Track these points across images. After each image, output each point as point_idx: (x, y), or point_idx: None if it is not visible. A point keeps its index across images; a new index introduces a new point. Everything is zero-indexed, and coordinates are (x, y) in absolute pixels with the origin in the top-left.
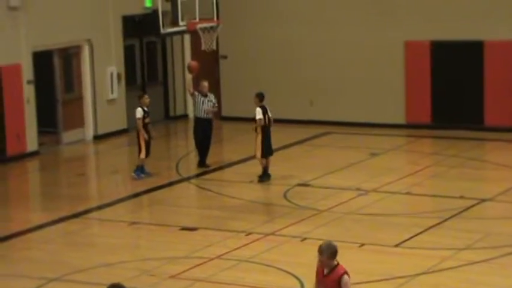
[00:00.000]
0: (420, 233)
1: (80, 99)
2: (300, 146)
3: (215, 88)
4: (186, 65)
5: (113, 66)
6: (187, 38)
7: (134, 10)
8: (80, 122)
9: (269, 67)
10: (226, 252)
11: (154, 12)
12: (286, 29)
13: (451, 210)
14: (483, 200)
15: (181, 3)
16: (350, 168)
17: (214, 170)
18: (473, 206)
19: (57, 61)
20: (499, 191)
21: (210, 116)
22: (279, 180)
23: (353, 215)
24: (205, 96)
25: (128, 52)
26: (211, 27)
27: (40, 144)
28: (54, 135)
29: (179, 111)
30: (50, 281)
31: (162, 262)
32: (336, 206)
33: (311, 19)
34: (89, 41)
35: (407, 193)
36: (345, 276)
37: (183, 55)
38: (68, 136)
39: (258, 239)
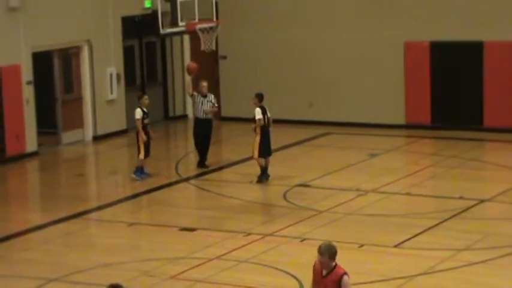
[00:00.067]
0: (419, 233)
1: (79, 99)
2: (300, 146)
3: (214, 88)
4: (185, 66)
5: (113, 67)
6: (186, 38)
7: (134, 11)
8: (79, 123)
9: (268, 67)
10: (226, 253)
11: (154, 12)
12: (286, 29)
13: (451, 211)
14: (482, 201)
15: (181, 3)
16: (349, 169)
17: (214, 170)
18: (472, 206)
19: (56, 62)
20: (498, 191)
21: (210, 116)
22: (278, 180)
23: (352, 215)
24: (205, 96)
25: (128, 52)
26: (211, 28)
27: (39, 144)
28: (53, 135)
29: (178, 111)
30: (49, 281)
31: (162, 263)
32: (336, 206)
33: (310, 20)
34: (88, 41)
35: (407, 194)
36: (345, 277)
37: (183, 55)
38: (67, 136)
39: (257, 240)
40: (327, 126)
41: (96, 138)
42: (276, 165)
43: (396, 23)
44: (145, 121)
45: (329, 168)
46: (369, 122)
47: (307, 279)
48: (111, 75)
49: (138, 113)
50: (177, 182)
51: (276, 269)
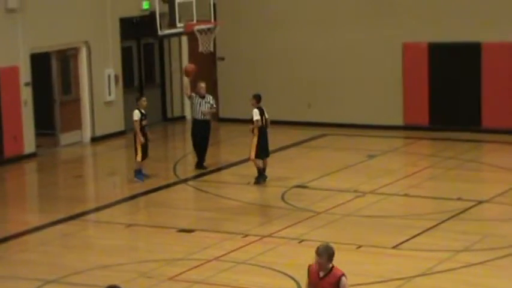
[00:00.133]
0: (417, 234)
1: (77, 101)
2: (298, 147)
3: (212, 90)
4: (183, 68)
5: (111, 68)
6: (184, 39)
7: (132, 12)
8: (77, 124)
9: (266, 69)
10: (224, 254)
11: (152, 14)
12: (283, 31)
13: (449, 212)
14: (481, 202)
15: (179, 5)
16: (347, 170)
17: (212, 171)
18: (470, 207)
19: (54, 63)
20: (496, 192)
21: (208, 117)
22: (276, 181)
23: (350, 216)
24: (203, 97)
25: (126, 54)
26: (209, 29)
27: (37, 146)
28: (51, 137)
29: (176, 113)
30: (46, 282)
31: (160, 264)
32: (334, 207)
33: (308, 22)
34: (86, 43)
35: (405, 195)
36: (343, 278)
37: (181, 57)
38: (65, 138)
39: (255, 241)
40: (325, 128)
41: (94, 140)
42: (274, 166)
43: (394, 24)
44: (143, 123)
45: (327, 170)
46: (367, 123)
47: (305, 280)
48: (109, 76)
49: (136, 115)
50: (175, 184)
51: (274, 270)
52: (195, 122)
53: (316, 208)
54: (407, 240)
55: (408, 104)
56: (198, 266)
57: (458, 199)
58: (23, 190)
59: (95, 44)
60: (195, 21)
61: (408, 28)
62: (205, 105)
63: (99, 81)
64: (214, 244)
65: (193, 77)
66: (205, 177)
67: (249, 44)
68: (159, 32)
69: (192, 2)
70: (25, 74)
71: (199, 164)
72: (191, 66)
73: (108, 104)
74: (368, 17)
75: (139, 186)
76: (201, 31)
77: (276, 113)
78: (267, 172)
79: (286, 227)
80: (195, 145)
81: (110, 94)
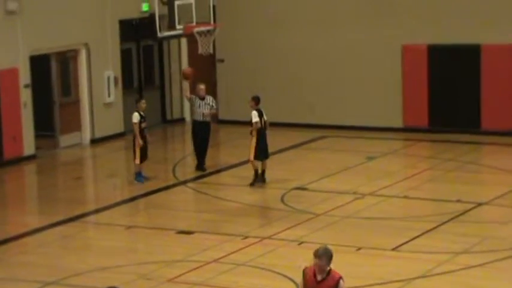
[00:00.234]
0: (417, 236)
1: (77, 102)
2: (297, 149)
3: (212, 92)
4: (181, 72)
5: (110, 70)
6: (184, 41)
7: (131, 14)
8: (76, 126)
9: (266, 71)
10: (223, 256)
11: (151, 16)
12: (283, 33)
13: (448, 214)
14: (480, 204)
15: (178, 7)
16: (347, 172)
17: (211, 173)
18: (470, 209)
19: (54, 65)
20: (496, 194)
21: (208, 119)
22: (276, 183)
23: (350, 218)
24: (203, 99)
25: (125, 56)
26: (208, 31)
27: (37, 147)
28: (51, 138)
29: (176, 114)
30: (46, 284)
31: (159, 266)
32: (333, 209)
33: (307, 23)
34: (86, 44)
35: (404, 197)
36: (341, 282)
37: (180, 59)
38: (65, 140)
39: (254, 243)
40: (324, 129)
41: (94, 141)
42: (273, 168)
43: (394, 26)
44: (143, 125)
45: (326, 172)
46: (367, 125)
47: (300, 283)
48: (108, 78)
49: (136, 117)
50: (174, 185)
51: (274, 272)
52: (195, 124)
53: (315, 210)
54: (406, 242)
55: (408, 106)
56: (197, 267)
57: (458, 201)
58: (22, 192)
59: (95, 46)
60: (194, 23)
61: (408, 30)
62: (205, 107)
63: (99, 83)
64: (213, 246)
65: (192, 79)
66: (205, 179)
67: (248, 45)
68: (159, 34)
69: (191, 4)
70: (25, 76)
71: (199, 166)
72: (189, 70)
73: (108, 105)
74: (367, 18)
75: (139, 188)
76: (200, 33)
77: (276, 114)
78: (267, 174)
79: (285, 229)
80: (195, 146)
81: (109, 96)
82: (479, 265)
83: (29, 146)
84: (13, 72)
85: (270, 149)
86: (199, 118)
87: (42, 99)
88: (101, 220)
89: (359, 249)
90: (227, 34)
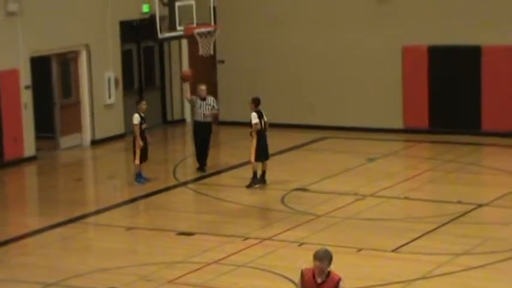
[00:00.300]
0: (417, 238)
1: (77, 104)
2: (297, 150)
3: (213, 93)
4: (180, 73)
5: (111, 71)
6: (184, 43)
7: (132, 15)
8: (77, 127)
9: (266, 72)
10: (224, 257)
11: (152, 17)
12: (284, 34)
13: (449, 215)
14: (480, 205)
15: (179, 8)
16: (347, 173)
17: (212, 174)
18: (470, 211)
19: (54, 66)
20: (496, 196)
21: (209, 119)
22: (276, 185)
23: (350, 219)
24: (204, 100)
25: (126, 57)
26: (209, 32)
27: (38, 149)
28: (51, 140)
29: (176, 115)
30: (46, 286)
31: (159, 267)
32: (334, 210)
33: (308, 24)
34: (86, 46)
35: (405, 198)
36: (341, 283)
37: (181, 60)
38: (65, 141)
39: (255, 244)
40: (325, 131)
41: (94, 143)
42: (273, 169)
43: (394, 28)
44: (143, 126)
45: (327, 173)
46: (367, 126)
47: (298, 285)
48: (109, 79)
49: (136, 119)
50: (175, 187)
51: (274, 273)
52: (196, 124)
53: (316, 211)
54: (407, 243)
55: (408, 107)
56: (198, 269)
57: (458, 202)
58: (23, 193)
59: (95, 47)
60: (195, 25)
61: (408, 31)
62: (206, 107)
63: (99, 84)
64: (214, 247)
65: (192, 80)
66: (205, 180)
67: (249, 46)
68: (159, 35)
69: (192, 5)
70: (25, 77)
71: (200, 167)
72: (188, 71)
73: (108, 107)
74: (368, 20)
75: (139, 189)
76: (201, 34)
77: (276, 115)
78: (267, 175)
79: (286, 230)
80: (196, 148)
81: (109, 97)
82: (480, 266)
83: (29, 147)
84: (14, 74)
85: (271, 150)
86: (200, 119)
87: (43, 101)
88: (101, 221)
89: (359, 250)
90: (227, 35)
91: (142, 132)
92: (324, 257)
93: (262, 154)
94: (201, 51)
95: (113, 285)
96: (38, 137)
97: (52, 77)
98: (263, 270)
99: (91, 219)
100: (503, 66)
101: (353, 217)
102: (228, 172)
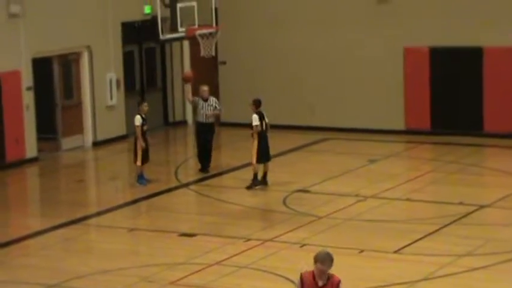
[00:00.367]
0: (420, 239)
1: (79, 105)
2: (299, 152)
3: (214, 94)
4: (182, 75)
5: (112, 73)
6: (186, 44)
7: (133, 16)
8: (79, 128)
9: (268, 73)
10: (225, 259)
11: (154, 18)
12: (285, 35)
13: (451, 217)
14: (482, 206)
15: (181, 9)
16: (349, 175)
17: (213, 176)
18: (472, 212)
19: (56, 67)
20: (498, 197)
21: (211, 120)
22: (278, 186)
23: (352, 221)
24: (206, 100)
25: (127, 58)
26: (210, 34)
27: (39, 150)
28: (53, 141)
29: (178, 117)
30: (48, 287)
31: (161, 268)
32: (335, 212)
33: (309, 25)
34: (88, 47)
35: (407, 199)
36: (341, 285)
37: (182, 61)
38: (67, 142)
39: (257, 245)
40: (326, 132)
41: (96, 144)
42: (275, 170)
43: (395, 29)
44: (144, 128)
45: (328, 174)
46: (369, 127)
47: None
48: (110, 80)
49: (138, 120)
50: (176, 188)
51: (276, 274)
52: (198, 125)
53: (317, 212)
54: (409, 244)
55: (410, 108)
56: (199, 270)
57: (460, 203)
58: (24, 194)
59: (97, 49)
60: (196, 26)
61: (409, 32)
62: (208, 108)
63: (101, 86)
64: (216, 248)
65: (193, 82)
66: (207, 182)
67: (250, 48)
68: (161, 37)
69: (193, 7)
70: (27, 79)
71: (203, 167)
72: (189, 72)
73: (110, 108)
74: (369, 21)
75: (141, 191)
76: (202, 35)
77: (278, 116)
78: (269, 176)
79: (287, 232)
80: (198, 149)
81: (111, 98)
82: (482, 267)
83: (31, 148)
84: (15, 75)
85: (272, 152)
86: (202, 120)
87: (45, 102)
88: (103, 223)
89: (361, 251)
90: (229, 36)
91: (143, 134)
92: (326, 260)
93: (263, 156)
94: (202, 53)
95: (115, 287)
96: (40, 138)
97: (54, 78)
98: (265, 271)
99: (93, 221)
100: (504, 68)
101: (354, 218)
102: (229, 173)
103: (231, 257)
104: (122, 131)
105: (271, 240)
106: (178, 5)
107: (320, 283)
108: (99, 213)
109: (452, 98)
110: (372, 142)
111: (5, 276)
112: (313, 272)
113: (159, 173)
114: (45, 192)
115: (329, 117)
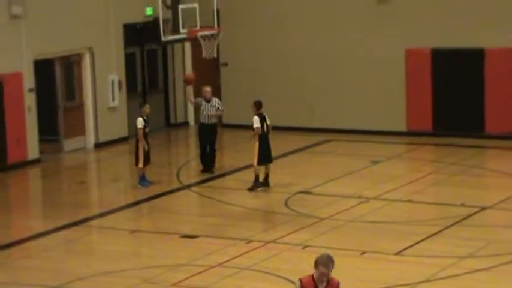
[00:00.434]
0: (421, 240)
1: (81, 107)
2: (301, 153)
3: (216, 95)
4: (183, 77)
5: (114, 74)
6: (188, 45)
7: (135, 18)
8: (81, 130)
9: (270, 74)
10: (227, 260)
11: (155, 20)
12: (287, 36)
13: (452, 218)
14: (484, 208)
15: (182, 11)
16: (351, 176)
17: (215, 177)
18: (474, 213)
19: (58, 69)
20: (499, 198)
21: (214, 120)
22: (280, 187)
23: (354, 222)
24: (209, 101)
25: (129, 60)
26: (212, 35)
27: (41, 152)
28: (55, 143)
29: (180, 118)
30: None
31: (163, 270)
32: (337, 213)
33: (311, 27)
34: (90, 49)
35: (409, 201)
36: (340, 287)
37: (184, 63)
38: (69, 144)
39: (258, 247)
40: (328, 133)
41: (98, 146)
42: (277, 172)
43: (397, 30)
44: (146, 130)
45: (330, 175)
46: (371, 129)
47: None
48: (112, 82)
49: (140, 122)
50: (178, 189)
51: (278, 276)
52: (201, 126)
53: (319, 214)
54: (411, 246)
55: (411, 109)
56: (201, 272)
57: (462, 205)
58: (26, 196)
59: (99, 50)
60: (198, 27)
61: (411, 34)
62: (210, 109)
63: (103, 87)
64: (217, 250)
65: (195, 83)
66: (209, 183)
67: (252, 49)
68: (163, 38)
69: (195, 8)
70: (29, 80)
71: (206, 168)
72: (191, 74)
73: (112, 109)
74: (371, 22)
75: (143, 192)
76: (204, 37)
77: (279, 118)
78: (271, 178)
79: (289, 233)
80: (201, 150)
81: (113, 100)
82: (484, 269)
83: (33, 150)
84: (17, 77)
85: (274, 153)
86: (205, 120)
87: (46, 104)
88: (104, 224)
89: (363, 253)
90: (231, 38)
91: (145, 136)
92: (328, 263)
93: (265, 157)
94: (204, 54)
95: None
96: (42, 140)
97: (56, 80)
98: (267, 273)
99: (94, 222)
100: (506, 69)
101: (356, 220)
102: (231, 175)
103: (233, 258)
104: (123, 132)
105: (273, 241)
106: (180, 7)
107: (321, 287)
108: (101, 215)
109: (454, 100)
110: (374, 143)
111: (7, 277)
112: (312, 276)
113: (161, 175)
114: (47, 194)
115: (330, 118)
